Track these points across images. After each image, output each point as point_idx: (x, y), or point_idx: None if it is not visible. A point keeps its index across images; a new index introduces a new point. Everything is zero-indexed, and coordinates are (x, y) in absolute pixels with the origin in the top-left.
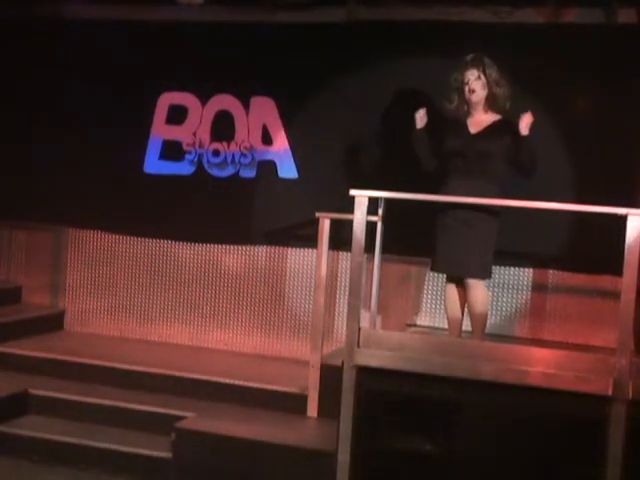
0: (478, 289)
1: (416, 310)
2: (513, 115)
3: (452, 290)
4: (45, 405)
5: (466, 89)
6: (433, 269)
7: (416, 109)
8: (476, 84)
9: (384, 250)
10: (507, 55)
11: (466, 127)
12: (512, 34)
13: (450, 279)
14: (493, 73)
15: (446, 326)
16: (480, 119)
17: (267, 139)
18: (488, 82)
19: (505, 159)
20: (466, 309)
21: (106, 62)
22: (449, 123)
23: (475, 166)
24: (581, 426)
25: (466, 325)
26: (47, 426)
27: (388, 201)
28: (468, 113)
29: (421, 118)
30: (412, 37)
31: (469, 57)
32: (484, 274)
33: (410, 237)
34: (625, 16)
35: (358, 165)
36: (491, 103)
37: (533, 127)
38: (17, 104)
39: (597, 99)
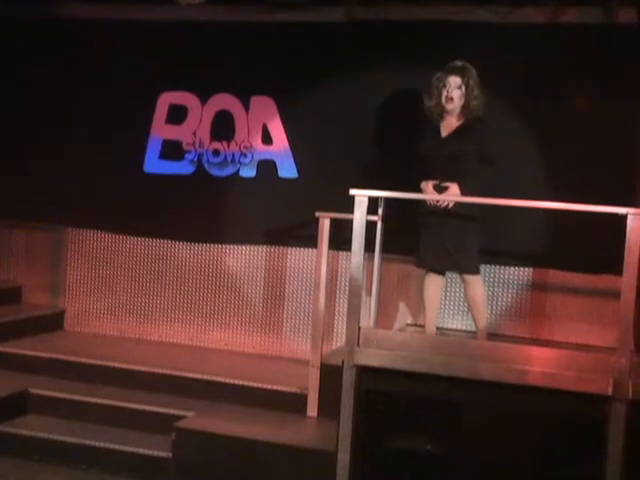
0: (478, 283)
1: (416, 310)
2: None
3: (434, 278)
4: (45, 405)
5: (444, 93)
6: (420, 265)
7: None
8: (455, 93)
9: (384, 250)
10: (507, 55)
11: (438, 131)
12: (512, 34)
13: (432, 271)
14: (474, 84)
15: (446, 326)
16: (451, 122)
17: (267, 139)
18: (467, 93)
19: (478, 158)
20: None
21: (106, 62)
22: (424, 127)
23: (447, 169)
24: (581, 426)
25: (467, 325)
26: (47, 426)
27: (388, 201)
28: (441, 117)
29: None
30: (411, 37)
31: (457, 63)
32: (477, 269)
33: (410, 237)
34: (625, 16)
35: (358, 165)
36: (465, 112)
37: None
38: (17, 104)
39: (597, 99)
